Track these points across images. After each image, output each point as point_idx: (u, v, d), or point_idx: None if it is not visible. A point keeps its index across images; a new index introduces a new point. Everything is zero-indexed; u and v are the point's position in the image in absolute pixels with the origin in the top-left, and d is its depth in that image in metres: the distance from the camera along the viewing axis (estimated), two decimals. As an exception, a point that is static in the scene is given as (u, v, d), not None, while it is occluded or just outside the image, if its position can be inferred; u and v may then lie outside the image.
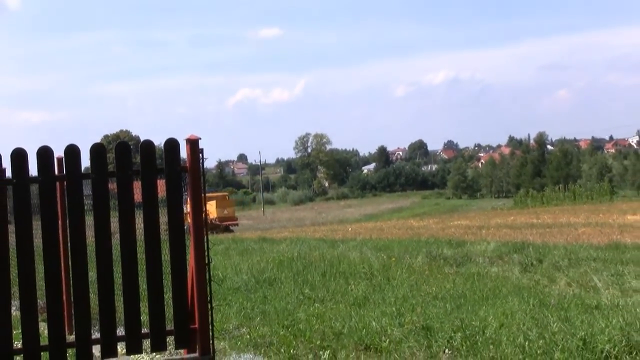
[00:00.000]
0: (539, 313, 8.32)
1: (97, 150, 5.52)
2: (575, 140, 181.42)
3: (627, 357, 6.24)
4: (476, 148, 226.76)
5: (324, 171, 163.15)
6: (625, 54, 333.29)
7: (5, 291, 5.32)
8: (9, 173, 5.40)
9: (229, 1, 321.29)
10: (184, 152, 5.70)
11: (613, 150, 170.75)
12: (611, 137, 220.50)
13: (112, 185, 5.67)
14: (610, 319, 7.57)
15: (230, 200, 58.05)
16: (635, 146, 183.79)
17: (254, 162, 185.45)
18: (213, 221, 49.82)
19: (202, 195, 5.66)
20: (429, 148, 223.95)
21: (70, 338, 5.59)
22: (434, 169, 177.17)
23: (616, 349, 6.36)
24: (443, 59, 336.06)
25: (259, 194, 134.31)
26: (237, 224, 54.96)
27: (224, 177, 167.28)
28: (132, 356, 5.94)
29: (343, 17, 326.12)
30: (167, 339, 5.70)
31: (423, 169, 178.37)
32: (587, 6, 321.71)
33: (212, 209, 52.01)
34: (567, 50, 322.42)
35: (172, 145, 5.66)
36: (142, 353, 5.80)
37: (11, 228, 5.39)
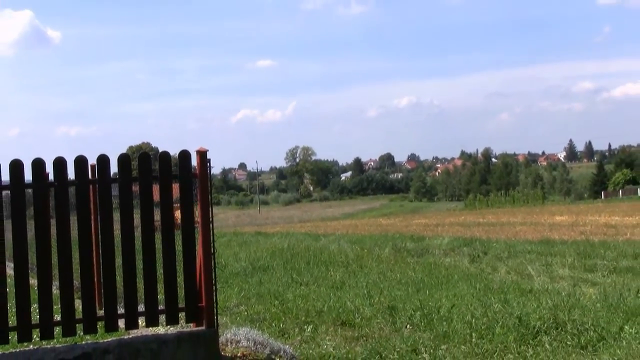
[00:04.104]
0: (484, 296, 8.38)
1: (123, 159, 5.51)
2: (514, 154, 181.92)
3: (554, 331, 6.31)
4: (434, 160, 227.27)
5: (309, 178, 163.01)
6: (555, 85, 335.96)
7: (48, 273, 5.31)
8: (51, 177, 5.39)
9: (232, 38, 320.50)
10: (194, 161, 5.71)
11: (545, 163, 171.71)
12: (543, 152, 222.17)
13: (136, 188, 5.66)
14: (541, 301, 7.65)
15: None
16: (562, 160, 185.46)
17: (252, 170, 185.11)
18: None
19: (210, 196, 5.66)
20: (396, 159, 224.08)
21: (100, 313, 5.57)
22: (399, 176, 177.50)
23: (545, 325, 6.44)
24: (407, 86, 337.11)
25: (256, 195, 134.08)
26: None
27: (227, 182, 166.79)
28: (150, 328, 5.93)
29: (325, 52, 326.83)
30: (179, 315, 5.70)
31: (391, 176, 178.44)
32: (524, 46, 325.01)
33: (178, 214, 52.98)
34: (508, 81, 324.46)
35: (184, 155, 5.66)
36: (158, 326, 5.78)
37: (53, 222, 5.38)
